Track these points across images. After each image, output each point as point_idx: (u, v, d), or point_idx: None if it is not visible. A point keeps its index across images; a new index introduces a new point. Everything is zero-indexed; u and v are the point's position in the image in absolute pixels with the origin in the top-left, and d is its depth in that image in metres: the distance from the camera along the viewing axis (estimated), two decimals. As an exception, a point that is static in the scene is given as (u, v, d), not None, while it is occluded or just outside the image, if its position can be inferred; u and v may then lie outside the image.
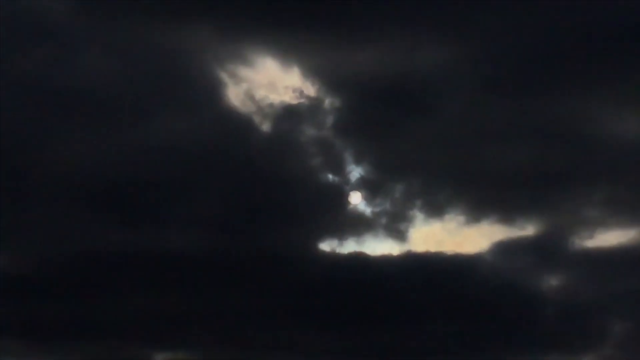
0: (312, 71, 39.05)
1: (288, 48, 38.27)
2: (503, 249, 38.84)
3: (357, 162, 40.97)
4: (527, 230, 39.71)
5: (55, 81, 35.66)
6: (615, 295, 38.77)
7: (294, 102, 39.40)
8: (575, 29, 38.37)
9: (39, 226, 35.31)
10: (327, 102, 40.41)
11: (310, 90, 40.03)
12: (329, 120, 40.16)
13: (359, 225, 39.05)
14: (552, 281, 38.94)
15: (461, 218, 39.70)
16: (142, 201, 35.65)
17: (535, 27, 38.06)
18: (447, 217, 40.26)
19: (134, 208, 35.60)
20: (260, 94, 40.08)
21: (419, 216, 39.89)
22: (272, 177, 36.86)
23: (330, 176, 39.47)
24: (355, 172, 41.44)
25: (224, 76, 37.64)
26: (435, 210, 40.24)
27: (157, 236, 35.80)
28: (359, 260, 37.68)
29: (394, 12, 37.76)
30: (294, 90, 38.89)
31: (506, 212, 39.57)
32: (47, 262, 35.36)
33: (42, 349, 35.99)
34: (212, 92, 37.69)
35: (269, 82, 39.22)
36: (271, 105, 38.59)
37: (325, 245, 40.49)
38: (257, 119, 37.98)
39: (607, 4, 38.82)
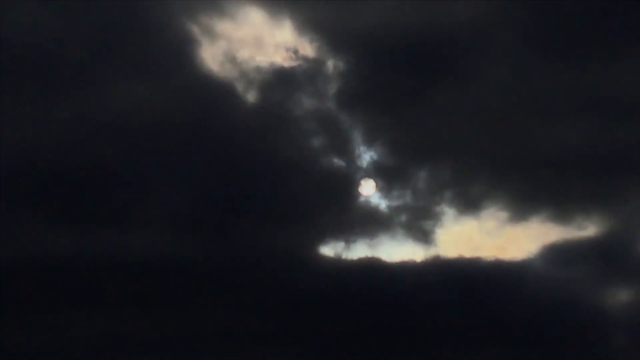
0: (309, 25, 36.34)
1: None
2: (557, 254, 35.39)
3: (368, 142, 37.70)
4: (588, 230, 36.13)
5: None
6: None
7: (287, 64, 36.16)
8: None
9: None
10: (329, 64, 36.93)
11: (308, 49, 36.89)
12: (332, 88, 36.66)
13: (371, 223, 35.58)
14: (620, 295, 35.33)
15: (503, 215, 36.19)
16: (95, 194, 32.46)
17: None
18: (485, 213, 36.65)
19: (83, 203, 32.43)
20: (243, 54, 36.99)
21: (448, 212, 36.24)
22: (260, 162, 33.83)
23: (334, 160, 35.83)
24: (366, 156, 37.23)
25: (196, 31, 34.93)
26: (469, 204, 36.60)
27: (116, 238, 32.55)
28: (372, 268, 34.45)
29: None
30: (287, 50, 35.79)
31: (560, 207, 36.10)
32: None
33: None
34: (182, 52, 34.79)
35: (254, 39, 36.13)
36: (258, 68, 35.75)
37: (329, 249, 35.89)
38: (239, 86, 35.16)
39: None
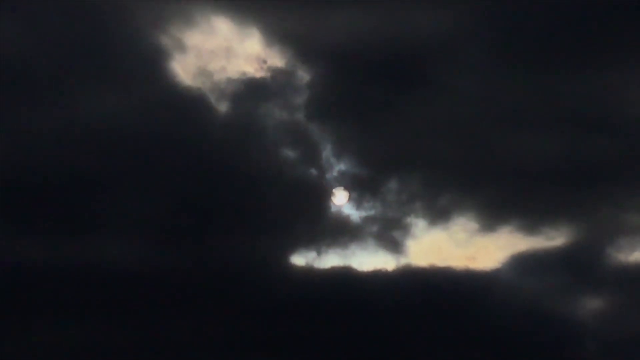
0: (277, 36, 36.61)
1: (246, 6, 35.54)
2: (525, 263, 35.75)
3: (339, 153, 37.88)
4: (556, 240, 36.48)
5: None
6: None
7: (257, 75, 36.57)
8: None
9: None
10: (299, 75, 37.17)
11: (277, 60, 37.27)
12: (302, 99, 36.91)
13: (343, 233, 35.76)
14: (589, 304, 35.77)
15: (472, 225, 36.38)
16: (64, 203, 32.42)
17: None
18: (454, 224, 36.83)
19: (52, 212, 32.33)
20: (214, 65, 37.39)
21: (418, 223, 36.28)
22: (232, 172, 33.75)
23: (306, 171, 35.96)
24: (336, 166, 37.33)
25: (166, 43, 35.00)
26: (439, 215, 36.86)
27: (89, 247, 32.56)
28: (344, 277, 34.57)
29: None
30: (257, 60, 35.92)
31: (529, 217, 36.37)
32: None
33: None
34: (153, 64, 34.83)
35: (224, 50, 36.49)
36: (228, 79, 36.00)
37: (301, 259, 36.08)
38: (211, 97, 35.19)
39: None
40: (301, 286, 33.14)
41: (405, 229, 36.76)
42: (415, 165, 38.14)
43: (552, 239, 36.49)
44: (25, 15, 34.12)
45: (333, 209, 37.37)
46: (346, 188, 37.93)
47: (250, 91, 35.76)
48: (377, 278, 34.82)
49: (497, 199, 37.69)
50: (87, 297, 31.59)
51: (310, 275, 34.53)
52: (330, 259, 36.79)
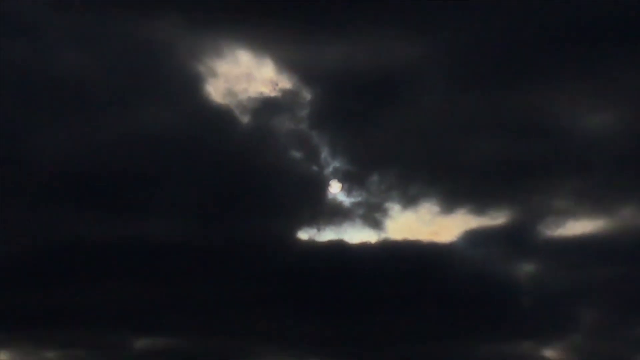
0: (286, 64, 38.81)
1: (262, 41, 38.03)
2: (475, 238, 39.22)
3: (333, 153, 40.42)
4: (499, 220, 39.81)
5: (37, 75, 35.91)
6: (585, 283, 38.99)
7: (271, 95, 38.90)
8: (543, 26, 38.63)
9: (26, 217, 35.37)
10: (303, 94, 39.78)
11: (286, 83, 39.57)
12: (305, 112, 39.57)
13: (337, 214, 39.09)
14: (523, 269, 38.76)
15: (435, 208, 39.82)
16: (125, 191, 35.74)
17: (504, 22, 38.30)
18: (422, 207, 40.26)
19: (117, 198, 35.67)
20: (238, 87, 39.62)
21: (394, 206, 39.82)
22: (251, 169, 36.96)
23: (308, 167, 39.20)
24: (332, 164, 40.74)
25: (201, 70, 37.45)
26: (410, 200, 40.26)
27: (140, 225, 35.87)
28: (337, 249, 37.81)
29: (366, 6, 37.56)
30: (270, 83, 38.52)
31: (478, 202, 39.93)
32: (33, 252, 35.49)
33: (21, 335, 36.15)
34: (192, 86, 37.53)
35: (245, 75, 38.86)
36: (249, 98, 38.23)
37: (304, 234, 40.17)
38: (236, 111, 37.66)
39: (571, 2, 38.89)
40: (305, 255, 36.89)
41: (384, 212, 37.48)
42: (392, 163, 40.40)
43: (496, 219, 37.11)
44: (93, 46, 36.96)
45: (329, 197, 38.34)
46: (339, 180, 39.84)
47: (266, 107, 36.17)
48: (363, 249, 34.66)
49: (454, 188, 38.26)
50: (140, 264, 35.26)
51: (311, 247, 34.33)
52: (327, 235, 37.29)
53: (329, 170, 41.39)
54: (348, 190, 40.99)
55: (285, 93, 39.05)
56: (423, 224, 41.39)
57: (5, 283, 34.42)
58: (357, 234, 41.28)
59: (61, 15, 37.60)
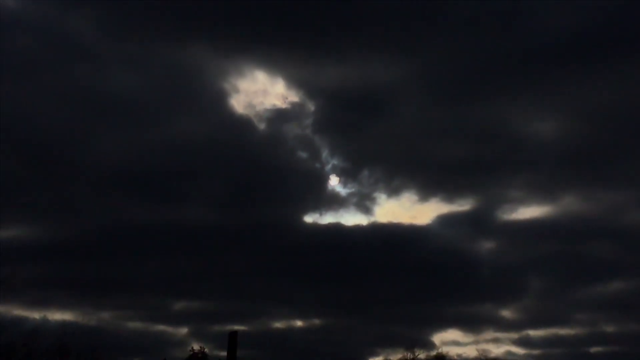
0: (294, 82, 48.48)
1: (275, 64, 48.66)
2: (446, 221, 44.66)
3: (332, 153, 47.81)
4: (465, 206, 46.01)
5: (96, 92, 43.44)
6: (534, 257, 44.67)
7: (282, 107, 44.63)
8: (498, 51, 46.19)
9: (89, 205, 42.91)
10: (308, 106, 48.69)
11: (294, 97, 48.58)
12: (309, 121, 49.04)
13: (335, 202, 47.28)
14: (485, 246, 46.65)
15: (414, 197, 47.90)
16: (167, 185, 42.06)
17: (467, 50, 46.67)
18: (403, 196, 48.50)
19: (160, 190, 41.90)
20: (256, 100, 45.84)
21: (381, 196, 48.19)
22: (267, 166, 42.50)
23: (312, 165, 46.83)
24: (331, 162, 47.63)
25: (226, 87, 44.11)
26: (393, 191, 48.60)
27: (178, 212, 41.86)
28: (336, 230, 43.46)
29: (359, 37, 45.71)
30: (282, 97, 45.46)
31: (448, 192, 46.21)
32: (95, 233, 41.91)
33: (82, 299, 41.64)
34: (218, 100, 44.91)
35: (262, 91, 45.06)
36: (265, 110, 44.88)
37: (309, 218, 48.91)
38: (255, 120, 44.60)
39: (522, 30, 47.89)
40: (310, 235, 41.61)
41: (373, 200, 46.60)
42: (379, 161, 46.59)
43: (463, 206, 44.91)
44: (141, 68, 42.19)
45: (329, 188, 46.15)
46: (337, 175, 45.73)
47: (278, 117, 44.13)
48: (356, 230, 44.81)
49: (429, 181, 45.98)
50: (177, 243, 38.92)
51: (315, 228, 44.58)
52: (327, 218, 45.96)
53: (328, 167, 52.02)
54: (344, 183, 51.70)
55: (294, 105, 48.57)
56: (404, 210, 52.74)
57: (72, 257, 41.24)
58: (351, 218, 54.19)
59: (115, 43, 46.76)
